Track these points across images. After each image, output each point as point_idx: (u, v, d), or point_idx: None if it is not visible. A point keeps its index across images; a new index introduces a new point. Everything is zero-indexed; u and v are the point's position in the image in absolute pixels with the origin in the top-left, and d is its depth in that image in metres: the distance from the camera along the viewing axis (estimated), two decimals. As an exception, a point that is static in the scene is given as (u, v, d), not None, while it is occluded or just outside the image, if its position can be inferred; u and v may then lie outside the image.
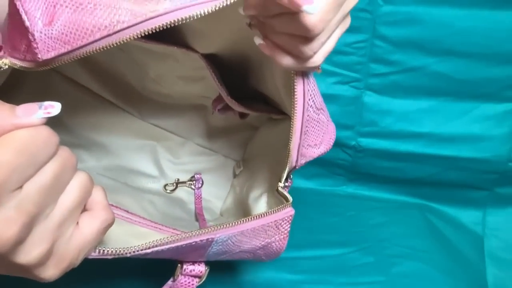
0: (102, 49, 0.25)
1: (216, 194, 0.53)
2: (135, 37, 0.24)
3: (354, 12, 0.31)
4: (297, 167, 0.36)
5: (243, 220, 0.34)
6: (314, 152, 0.37)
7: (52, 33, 0.23)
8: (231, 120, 0.50)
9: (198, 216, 0.50)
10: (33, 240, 0.23)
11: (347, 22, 0.29)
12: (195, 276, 0.37)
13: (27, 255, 0.22)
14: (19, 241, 0.22)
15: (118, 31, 0.24)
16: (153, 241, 0.31)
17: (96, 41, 0.24)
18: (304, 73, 0.31)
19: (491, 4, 0.61)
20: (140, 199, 0.47)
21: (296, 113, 0.33)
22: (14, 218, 0.21)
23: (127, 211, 0.39)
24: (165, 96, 0.50)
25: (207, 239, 0.33)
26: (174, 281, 0.38)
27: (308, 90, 0.33)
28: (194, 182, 0.53)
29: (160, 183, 0.52)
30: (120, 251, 0.30)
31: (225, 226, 0.33)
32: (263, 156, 0.47)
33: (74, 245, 0.25)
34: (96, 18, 0.24)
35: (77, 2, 0.24)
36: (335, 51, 0.34)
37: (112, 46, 0.24)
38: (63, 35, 0.23)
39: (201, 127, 0.54)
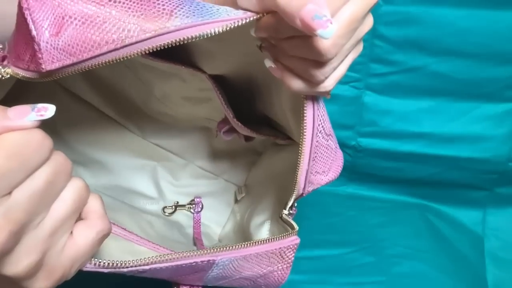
0: (107, 63, 0.24)
1: (216, 220, 0.52)
2: (143, 53, 0.24)
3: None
4: (304, 195, 0.35)
5: (247, 244, 0.32)
6: (322, 179, 0.36)
7: (58, 44, 0.23)
8: (234, 144, 0.49)
9: (196, 241, 0.49)
10: (22, 250, 0.21)
11: (360, 47, 0.28)
12: (191, 301, 0.36)
13: (15, 266, 0.21)
14: (6, 251, 0.21)
15: (126, 45, 0.23)
16: (152, 256, 0.29)
17: (102, 54, 0.24)
18: (314, 98, 0.31)
19: (491, 4, 0.61)
20: (138, 218, 0.46)
21: (305, 138, 0.32)
22: (1, 226, 0.20)
23: (125, 229, 0.38)
24: (168, 116, 0.49)
25: (208, 260, 0.31)
26: None
27: (318, 115, 0.32)
28: (194, 205, 0.51)
29: (158, 205, 0.51)
30: (117, 264, 0.28)
31: (228, 248, 0.32)
32: (267, 182, 0.46)
33: (67, 256, 0.24)
34: (105, 32, 0.23)
35: (86, 15, 0.23)
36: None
37: (118, 61, 0.24)
38: (69, 46, 0.23)
39: (203, 149, 0.52)
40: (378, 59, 0.66)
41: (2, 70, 0.25)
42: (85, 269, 0.27)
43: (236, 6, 0.26)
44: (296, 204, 0.36)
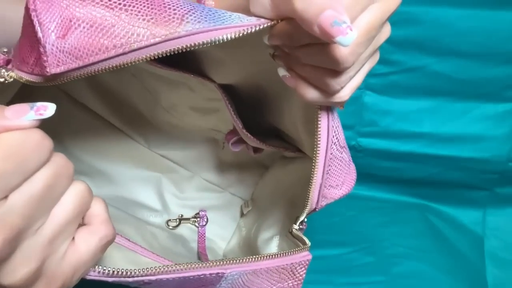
0: (114, 68, 0.23)
1: (221, 234, 0.50)
2: (152, 58, 0.23)
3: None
4: (317, 209, 0.34)
5: (257, 257, 0.31)
6: (336, 193, 0.34)
7: (64, 47, 0.22)
8: (241, 156, 0.48)
9: (201, 255, 0.47)
10: (20, 258, 0.20)
11: (376, 56, 0.27)
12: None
13: (12, 275, 0.20)
14: (2, 259, 0.19)
15: (134, 50, 0.23)
16: (159, 266, 0.28)
17: (109, 58, 0.23)
18: (328, 108, 0.29)
19: (491, 4, 0.61)
20: (142, 229, 0.45)
21: (318, 151, 0.30)
22: None
23: (128, 240, 0.37)
24: (175, 127, 0.48)
25: (217, 273, 0.30)
26: None
27: (333, 126, 0.30)
28: (198, 219, 0.49)
29: (162, 217, 0.49)
30: (122, 272, 0.27)
31: (238, 261, 0.30)
32: (275, 196, 0.45)
33: (68, 263, 0.22)
34: (113, 36, 0.23)
35: (94, 17, 0.23)
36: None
37: (126, 66, 0.23)
38: (76, 49, 0.22)
39: (210, 161, 0.51)
40: (378, 59, 0.66)
41: (6, 73, 0.24)
42: (88, 277, 0.26)
43: (249, 13, 0.25)
44: (306, 220, 0.35)
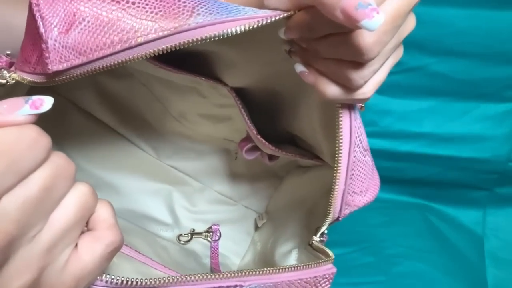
0: (119, 65, 0.22)
1: (234, 250, 0.48)
2: (160, 52, 0.22)
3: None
4: (340, 218, 0.32)
5: (279, 269, 0.29)
6: (360, 200, 0.32)
7: (67, 42, 0.21)
8: (255, 168, 0.47)
9: (214, 271, 0.45)
10: (14, 267, 0.18)
11: (400, 51, 0.26)
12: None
13: (6, 287, 0.18)
14: None
15: (141, 43, 0.21)
16: (173, 276, 0.26)
17: (115, 53, 0.21)
18: (350, 107, 0.27)
19: (491, 4, 0.61)
20: (152, 242, 0.43)
21: (341, 153, 0.28)
22: None
23: (139, 252, 0.35)
24: (185, 137, 0.46)
25: (236, 285, 0.28)
26: None
27: (355, 127, 0.28)
28: (211, 234, 0.47)
29: (173, 232, 0.46)
30: (133, 282, 0.25)
31: (258, 272, 0.28)
32: (291, 207, 0.42)
33: (70, 274, 0.20)
34: (119, 29, 0.21)
35: (100, 11, 0.22)
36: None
37: (131, 61, 0.22)
38: (80, 44, 0.21)
39: (222, 173, 0.48)
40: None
41: (8, 74, 0.23)
42: (93, 287, 0.24)
43: (262, 7, 0.23)
44: (326, 231, 0.33)
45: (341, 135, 0.28)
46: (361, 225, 0.69)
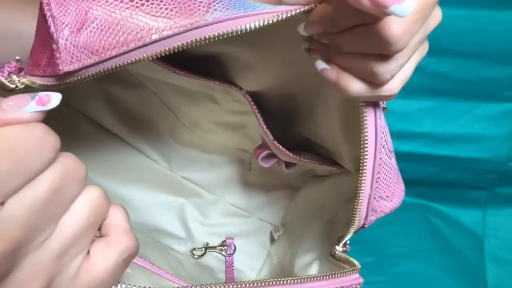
0: (132, 63, 0.21)
1: (250, 264, 0.46)
2: (175, 50, 0.21)
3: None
4: (366, 226, 0.30)
5: (302, 279, 0.27)
6: (386, 206, 0.30)
7: (78, 42, 0.21)
8: (269, 179, 0.46)
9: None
10: (22, 275, 0.17)
11: (426, 46, 0.25)
12: None
13: None
14: (1, 276, 0.17)
15: (156, 41, 0.20)
16: (190, 286, 0.24)
17: (128, 52, 0.21)
18: (375, 105, 0.26)
19: (491, 4, 0.61)
20: (166, 255, 0.42)
21: (366, 155, 0.26)
22: None
23: (153, 264, 0.34)
24: (198, 147, 0.45)
25: None
26: None
27: (381, 126, 0.26)
28: (225, 247, 0.45)
29: (186, 246, 0.45)
30: None
31: (280, 282, 0.26)
32: (309, 218, 0.41)
33: (82, 283, 0.19)
34: (132, 27, 0.21)
35: (112, 9, 0.21)
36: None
37: (144, 60, 0.21)
38: (91, 43, 0.21)
39: (236, 184, 0.47)
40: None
41: (17, 79, 0.22)
42: None
43: (280, 4, 0.22)
44: (348, 242, 0.31)
45: (366, 136, 0.26)
46: (361, 225, 0.69)
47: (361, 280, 0.28)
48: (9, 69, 0.23)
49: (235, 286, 0.25)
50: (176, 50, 0.21)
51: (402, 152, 0.71)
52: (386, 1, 0.17)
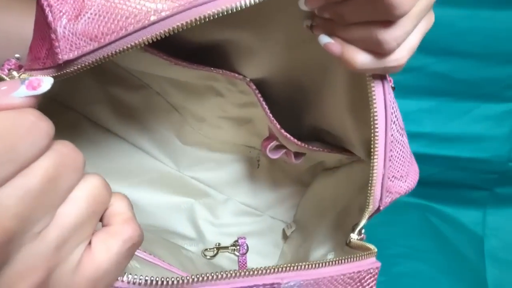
0: (132, 47, 0.21)
1: (263, 264, 0.43)
2: (175, 30, 0.21)
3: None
4: (381, 208, 0.29)
5: (318, 264, 0.26)
6: (401, 186, 0.29)
7: (77, 29, 0.20)
8: (279, 176, 0.45)
9: None
10: (18, 267, 0.16)
11: (432, 17, 0.24)
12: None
13: None
14: None
15: (155, 22, 0.20)
16: (207, 274, 0.23)
17: (127, 35, 0.20)
18: (383, 78, 0.25)
19: (491, 4, 0.61)
20: (177, 253, 0.41)
21: (377, 131, 0.25)
22: None
23: (163, 261, 0.33)
24: (205, 146, 0.45)
25: (272, 283, 0.25)
26: None
27: (390, 101, 0.25)
28: (238, 247, 0.44)
29: (198, 247, 0.44)
30: (163, 281, 0.22)
31: (295, 268, 0.25)
32: (321, 211, 0.40)
33: (83, 275, 0.18)
34: (131, 10, 0.20)
35: None
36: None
37: (144, 44, 0.21)
38: (90, 30, 0.20)
39: (245, 182, 0.46)
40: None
41: (17, 75, 0.22)
42: None
43: None
44: (364, 230, 0.30)
45: (376, 111, 0.25)
46: (361, 225, 0.69)
47: (379, 264, 0.27)
48: (9, 66, 0.23)
49: (248, 273, 0.25)
50: (176, 31, 0.21)
51: (402, 152, 0.71)
52: None
